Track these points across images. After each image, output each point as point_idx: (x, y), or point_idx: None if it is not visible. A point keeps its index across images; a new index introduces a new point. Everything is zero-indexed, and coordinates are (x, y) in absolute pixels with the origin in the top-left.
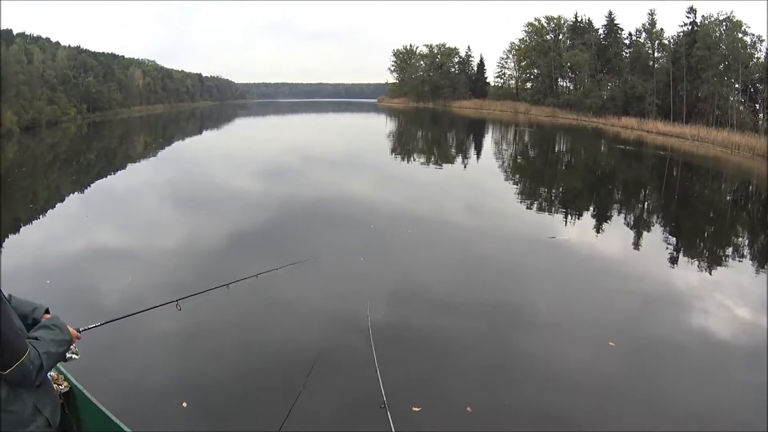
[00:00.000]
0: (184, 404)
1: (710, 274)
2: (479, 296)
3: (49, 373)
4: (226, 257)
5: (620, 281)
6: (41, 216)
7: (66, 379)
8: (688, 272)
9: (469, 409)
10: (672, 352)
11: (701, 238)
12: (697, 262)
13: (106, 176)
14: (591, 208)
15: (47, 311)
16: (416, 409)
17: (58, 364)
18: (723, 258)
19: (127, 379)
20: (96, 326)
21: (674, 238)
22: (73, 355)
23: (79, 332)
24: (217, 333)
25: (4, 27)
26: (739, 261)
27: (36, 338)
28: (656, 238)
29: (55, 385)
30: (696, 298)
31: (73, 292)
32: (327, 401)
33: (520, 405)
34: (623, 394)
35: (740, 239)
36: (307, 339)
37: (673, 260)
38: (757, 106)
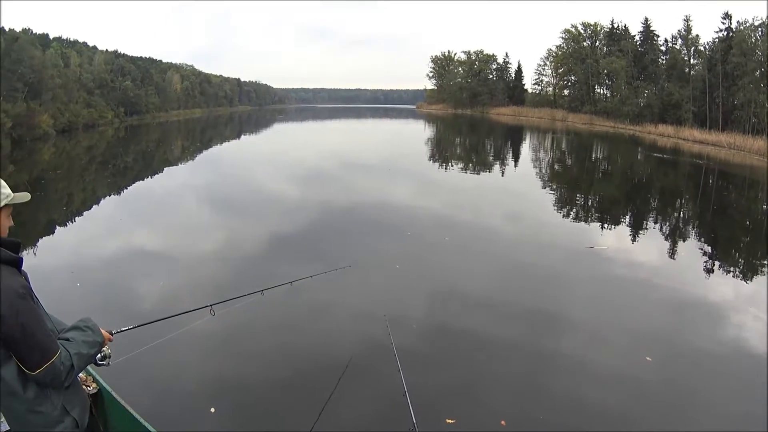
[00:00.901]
0: (212, 410)
1: (746, 284)
2: (516, 306)
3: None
4: (262, 263)
5: (657, 292)
6: (76, 218)
7: (95, 380)
8: (725, 283)
9: (503, 423)
10: (708, 365)
11: (737, 248)
12: (733, 273)
13: (142, 179)
14: (628, 217)
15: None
16: (450, 421)
17: (88, 367)
18: (762, 267)
19: (156, 383)
20: (129, 329)
21: (711, 248)
22: (106, 361)
23: (112, 334)
24: (249, 339)
25: (41, 31)
26: None
27: (67, 339)
28: (693, 247)
29: (84, 387)
30: (732, 310)
31: (106, 294)
32: (355, 412)
33: (555, 419)
34: (658, 409)
35: None
36: (338, 347)
37: (710, 270)
38: None
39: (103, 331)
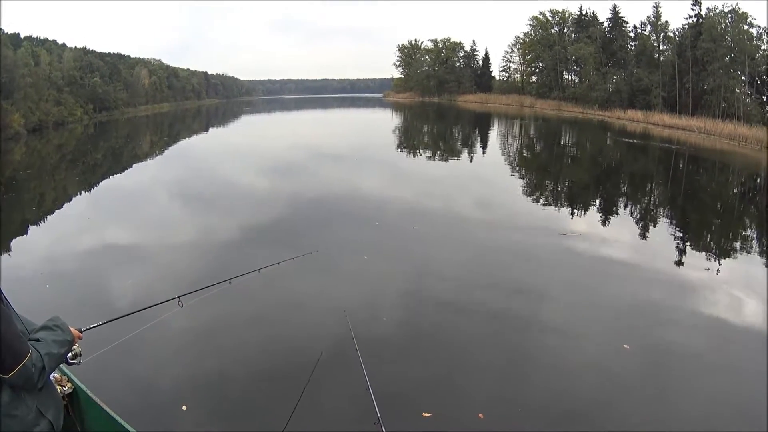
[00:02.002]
0: (184, 407)
1: (720, 267)
2: (488, 295)
3: (52, 375)
4: (231, 253)
5: (631, 277)
6: (47, 217)
7: (70, 380)
8: (698, 265)
9: (481, 416)
10: (685, 349)
11: (710, 231)
12: (706, 256)
13: (111, 176)
14: (600, 202)
15: None
16: (426, 414)
17: (63, 367)
18: (732, 251)
19: (128, 379)
20: (98, 325)
21: (683, 232)
22: (77, 359)
23: (81, 332)
24: (218, 330)
25: (12, 31)
26: (749, 252)
27: (37, 340)
28: (667, 232)
29: (58, 387)
30: (708, 292)
31: (75, 292)
32: (330, 402)
33: (534, 411)
34: (637, 397)
35: (750, 231)
36: (306, 339)
37: (684, 253)
38: (764, 98)
39: (72, 330)
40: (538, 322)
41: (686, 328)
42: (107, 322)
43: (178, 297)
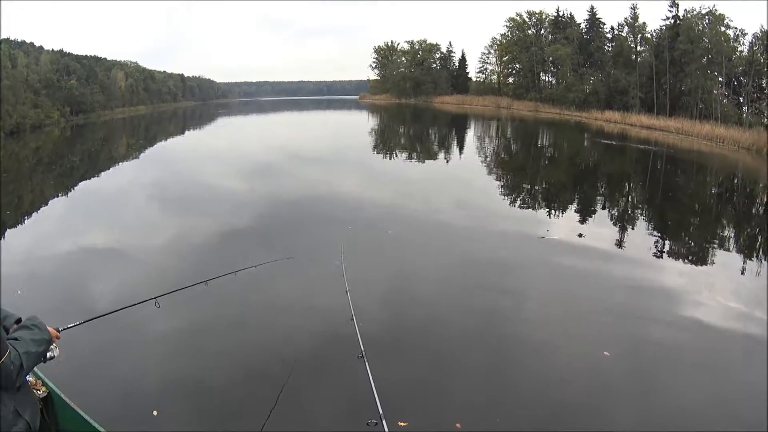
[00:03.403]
0: (155, 413)
1: (700, 267)
2: (465, 302)
3: (27, 379)
4: (207, 255)
5: (611, 280)
6: (25, 220)
7: (44, 384)
8: (678, 267)
9: (458, 425)
10: (667, 351)
11: (688, 231)
12: (686, 257)
13: (88, 178)
14: (578, 204)
15: (18, 321)
16: (402, 424)
17: (36, 370)
18: (712, 250)
19: (104, 381)
20: (75, 325)
21: (663, 233)
22: (54, 359)
23: (59, 332)
24: (196, 330)
25: None
26: (728, 252)
27: (15, 338)
28: (646, 233)
29: (34, 390)
30: (687, 293)
31: (52, 293)
32: (306, 406)
33: (512, 420)
34: (620, 402)
35: (728, 231)
36: (282, 341)
37: (663, 255)
38: (741, 99)
39: (50, 329)
40: (515, 330)
41: (666, 330)
42: (84, 322)
43: (155, 298)
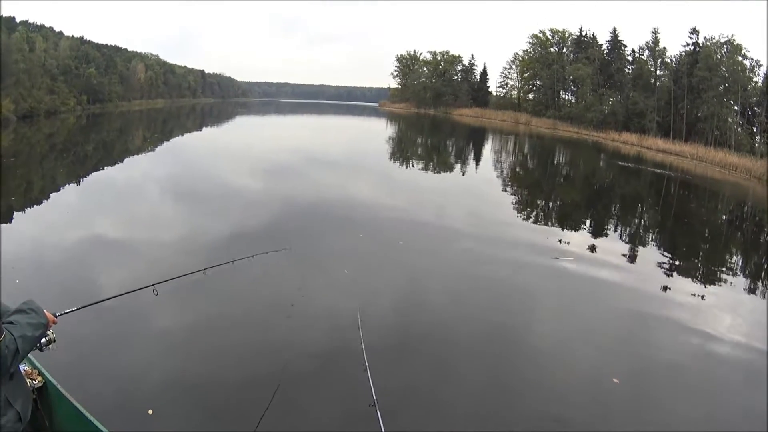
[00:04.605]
0: (150, 411)
1: (708, 291)
2: (472, 320)
3: (23, 367)
4: (208, 246)
5: (621, 302)
6: (31, 206)
7: (40, 373)
8: (689, 291)
9: None
10: (674, 375)
11: (699, 257)
12: (696, 282)
13: (101, 168)
14: (590, 225)
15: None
16: None
17: (33, 359)
18: (721, 277)
19: (101, 369)
20: (73, 311)
21: (672, 256)
22: (51, 345)
23: (56, 317)
24: (193, 318)
25: (6, 14)
26: (736, 277)
27: (11, 323)
28: (657, 255)
29: (29, 380)
30: (697, 318)
31: (51, 280)
32: (303, 398)
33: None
34: (623, 422)
35: (735, 258)
36: (276, 335)
37: (673, 278)
38: (754, 129)
39: (47, 314)
40: (525, 353)
41: (674, 353)
42: (82, 307)
43: (153, 285)
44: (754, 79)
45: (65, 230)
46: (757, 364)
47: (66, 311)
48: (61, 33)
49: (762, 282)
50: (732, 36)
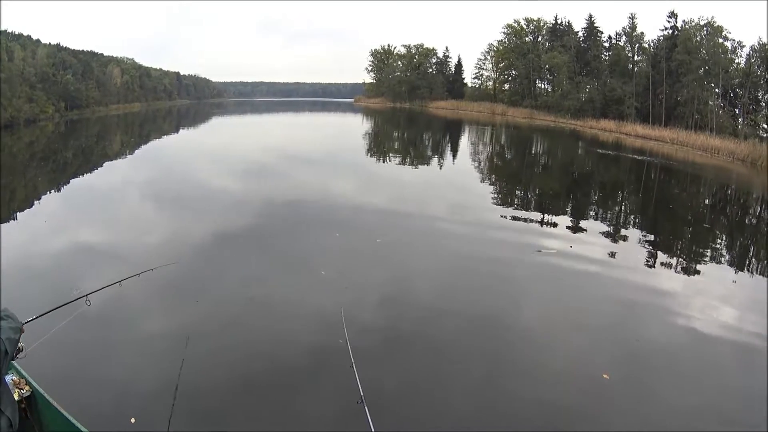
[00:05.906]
0: (132, 420)
1: (696, 277)
2: (456, 315)
3: (10, 377)
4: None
5: (609, 291)
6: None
7: (28, 383)
8: (674, 277)
9: None
10: (664, 360)
11: (682, 241)
12: (682, 266)
13: (81, 175)
14: (572, 214)
15: None
16: None
17: (20, 369)
18: (710, 260)
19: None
20: (33, 319)
21: (659, 243)
22: (23, 352)
23: (22, 325)
24: (180, 318)
25: None
26: (721, 263)
27: None
28: (642, 243)
29: (17, 390)
30: (682, 303)
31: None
32: (292, 398)
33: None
34: (616, 410)
35: (720, 242)
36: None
37: (658, 265)
38: (737, 111)
39: None
40: (510, 353)
41: (662, 338)
42: (40, 316)
43: (86, 296)
44: (737, 61)
45: (36, 239)
46: (749, 346)
47: (28, 320)
48: (38, 41)
49: (747, 264)
50: (712, 18)
